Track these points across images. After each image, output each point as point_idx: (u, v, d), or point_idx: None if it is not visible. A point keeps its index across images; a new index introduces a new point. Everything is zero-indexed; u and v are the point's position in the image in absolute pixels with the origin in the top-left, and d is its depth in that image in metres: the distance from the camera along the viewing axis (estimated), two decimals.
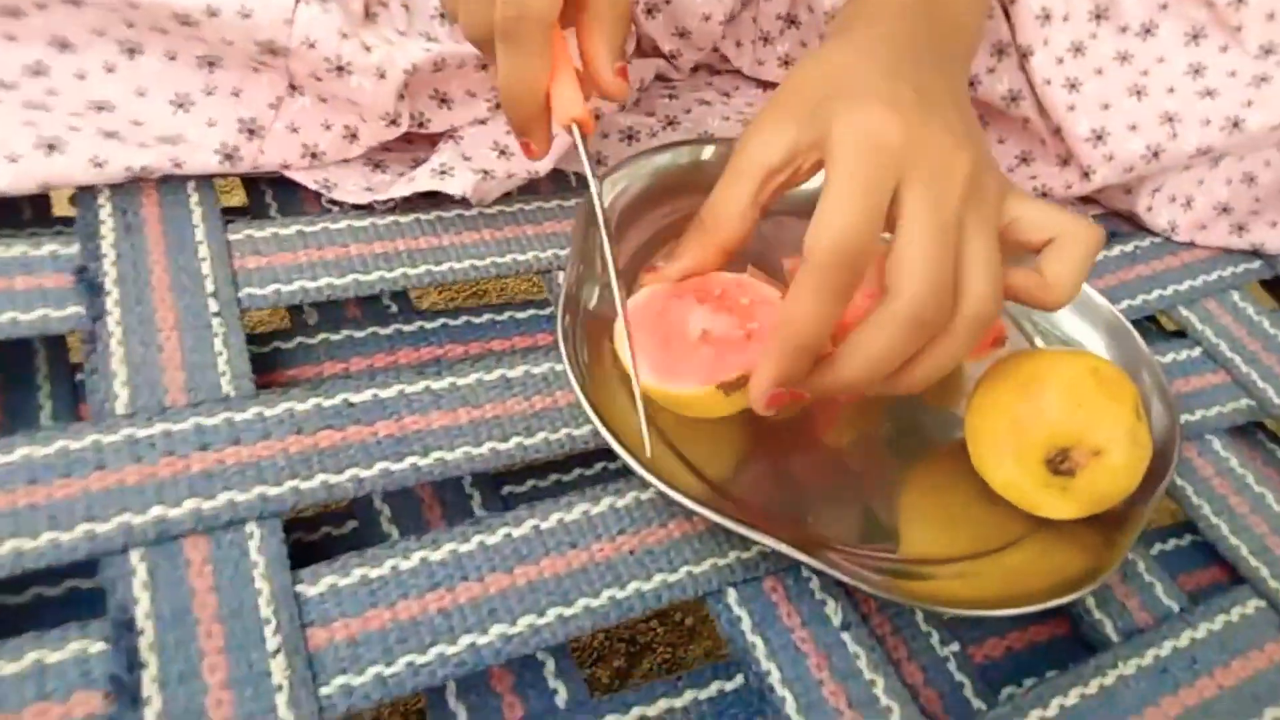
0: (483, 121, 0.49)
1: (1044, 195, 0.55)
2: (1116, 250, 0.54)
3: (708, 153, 0.49)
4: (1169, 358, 0.48)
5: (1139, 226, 0.56)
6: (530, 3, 0.35)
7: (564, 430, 0.39)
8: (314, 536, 0.38)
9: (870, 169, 0.33)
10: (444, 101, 0.48)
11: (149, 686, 0.28)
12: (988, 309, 0.34)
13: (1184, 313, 0.51)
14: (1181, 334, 0.51)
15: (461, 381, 0.40)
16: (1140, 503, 0.38)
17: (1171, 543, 0.43)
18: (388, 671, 0.31)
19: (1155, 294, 0.51)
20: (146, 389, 0.36)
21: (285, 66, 0.44)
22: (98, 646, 0.29)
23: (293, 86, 0.45)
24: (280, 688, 0.29)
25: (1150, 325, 0.52)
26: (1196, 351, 0.49)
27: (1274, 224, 0.54)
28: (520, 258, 0.46)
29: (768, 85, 0.60)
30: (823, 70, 0.38)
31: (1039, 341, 0.47)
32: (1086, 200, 0.57)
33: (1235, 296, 0.52)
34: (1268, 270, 0.54)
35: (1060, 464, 0.35)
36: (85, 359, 0.36)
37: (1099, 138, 0.52)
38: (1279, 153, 0.51)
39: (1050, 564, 0.37)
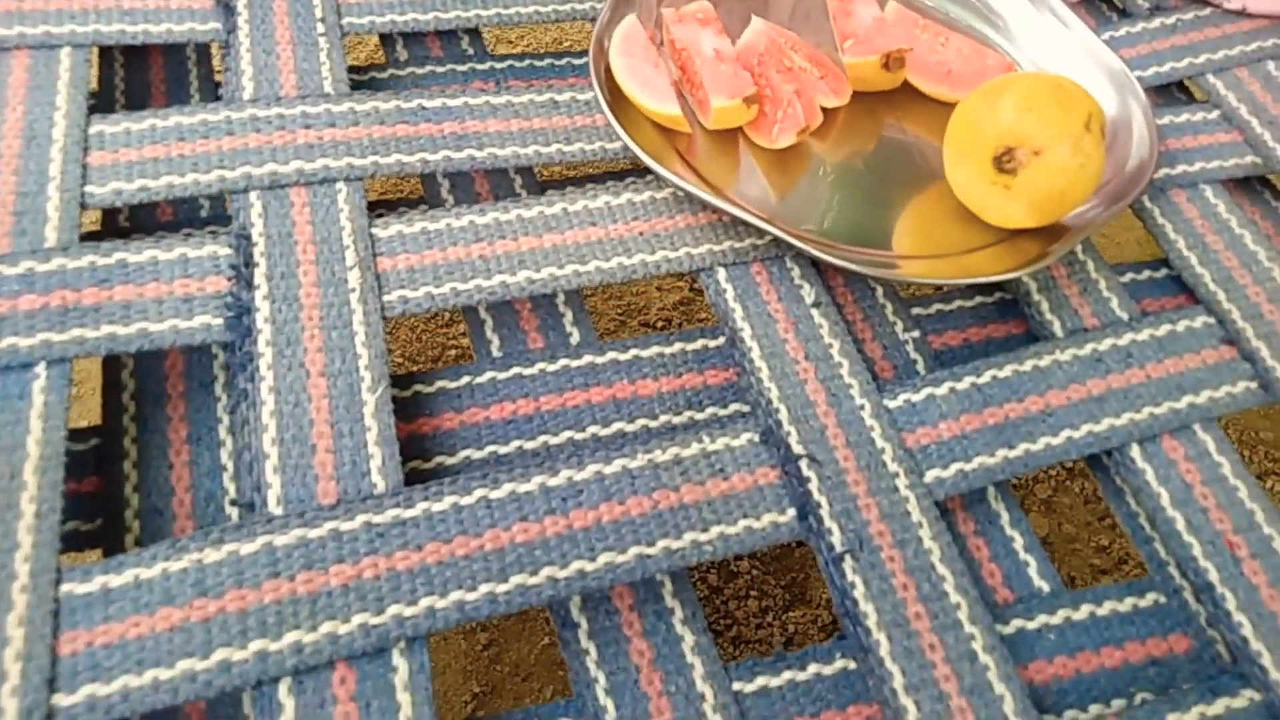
0: None
1: None
2: (1157, 22, 0.55)
3: None
4: (1183, 118, 0.51)
5: None
6: None
7: (598, 143, 0.46)
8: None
9: None
10: None
11: (259, 277, 0.38)
12: None
13: (1211, 80, 0.53)
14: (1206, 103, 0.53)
15: (516, 100, 0.47)
16: (1093, 217, 0.42)
17: (1146, 274, 0.46)
18: (436, 291, 0.40)
19: (1186, 61, 0.53)
20: (265, 82, 0.45)
21: None
22: (225, 250, 0.39)
23: None
24: (354, 290, 0.39)
25: (1180, 94, 0.54)
26: (1214, 114, 0.51)
27: None
28: (579, 7, 0.52)
29: None
30: None
31: None
32: None
33: (1270, 66, 0.53)
34: None
35: (1006, 162, 0.40)
36: (222, 61, 0.45)
37: None
38: None
39: (1002, 263, 0.42)
